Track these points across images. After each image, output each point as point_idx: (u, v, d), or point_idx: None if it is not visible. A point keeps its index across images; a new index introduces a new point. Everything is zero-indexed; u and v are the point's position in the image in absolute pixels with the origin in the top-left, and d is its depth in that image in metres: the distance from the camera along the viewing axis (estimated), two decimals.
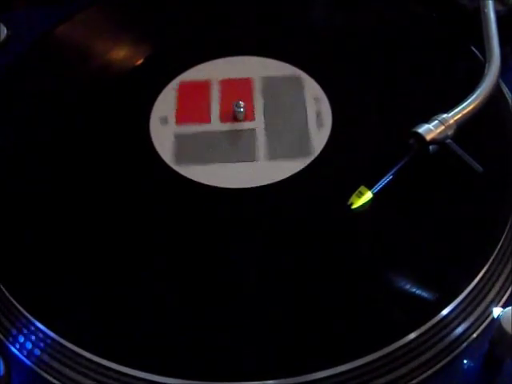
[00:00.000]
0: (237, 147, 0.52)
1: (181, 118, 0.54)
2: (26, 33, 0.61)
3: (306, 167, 0.50)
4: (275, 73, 0.57)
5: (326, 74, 0.56)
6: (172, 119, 0.53)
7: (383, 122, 0.53)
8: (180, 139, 0.52)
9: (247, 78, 0.56)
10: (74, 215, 0.48)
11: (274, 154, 0.51)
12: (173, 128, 0.53)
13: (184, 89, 0.56)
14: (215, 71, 0.57)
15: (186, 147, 0.52)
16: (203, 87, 0.56)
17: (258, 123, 0.54)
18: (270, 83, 0.56)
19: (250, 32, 0.60)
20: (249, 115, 0.54)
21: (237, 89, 0.56)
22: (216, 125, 0.53)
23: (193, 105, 0.54)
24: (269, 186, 0.49)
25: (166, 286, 0.45)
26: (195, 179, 0.50)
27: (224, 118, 0.54)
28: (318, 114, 0.54)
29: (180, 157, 0.51)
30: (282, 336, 0.42)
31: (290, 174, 0.50)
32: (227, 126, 0.53)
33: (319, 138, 0.52)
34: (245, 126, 0.53)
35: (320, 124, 0.53)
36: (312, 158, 0.51)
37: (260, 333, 0.42)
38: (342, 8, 0.62)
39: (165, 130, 0.53)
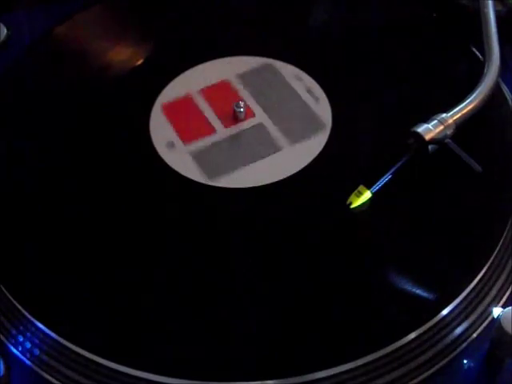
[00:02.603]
0: (256, 144, 0.52)
1: (187, 138, 0.53)
2: (26, 33, 0.61)
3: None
4: (247, 67, 0.57)
5: (325, 74, 0.56)
6: (178, 142, 0.52)
7: (382, 122, 0.53)
8: (199, 156, 0.52)
9: (223, 81, 0.56)
10: (74, 215, 0.48)
11: (293, 138, 0.52)
12: (183, 149, 0.52)
13: (169, 109, 0.55)
14: (190, 83, 0.56)
15: (209, 161, 0.51)
16: (187, 103, 0.55)
17: (260, 117, 0.54)
18: (247, 78, 0.56)
19: (218, 34, 0.60)
20: (248, 113, 0.54)
21: (220, 93, 0.55)
22: (223, 131, 0.53)
23: (188, 122, 0.54)
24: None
25: (167, 286, 0.45)
26: (236, 186, 0.49)
27: (226, 122, 0.54)
28: (309, 90, 0.54)
29: (210, 172, 0.50)
30: (282, 336, 0.42)
31: (317, 153, 0.50)
32: (234, 129, 0.53)
33: (323, 112, 0.53)
34: (251, 124, 0.53)
35: (315, 98, 0.54)
36: (328, 130, 0.52)
37: (260, 333, 0.42)
38: (342, 7, 0.62)
39: (176, 153, 0.52)
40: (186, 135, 0.53)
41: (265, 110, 0.54)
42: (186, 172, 0.50)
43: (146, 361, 0.41)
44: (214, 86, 0.56)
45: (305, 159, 0.51)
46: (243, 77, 0.56)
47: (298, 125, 0.53)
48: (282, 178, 0.50)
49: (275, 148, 0.51)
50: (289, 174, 0.50)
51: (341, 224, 0.47)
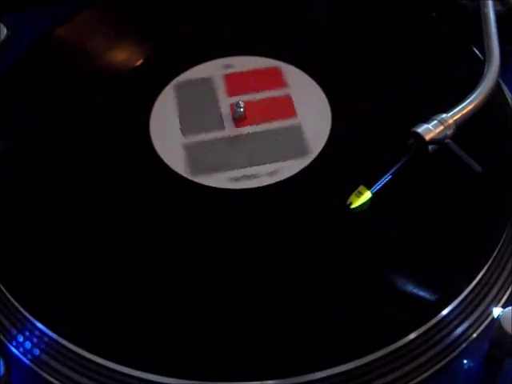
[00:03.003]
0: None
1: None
2: (26, 33, 0.61)
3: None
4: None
5: (326, 74, 0.56)
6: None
7: (382, 122, 0.53)
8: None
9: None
10: (74, 215, 0.48)
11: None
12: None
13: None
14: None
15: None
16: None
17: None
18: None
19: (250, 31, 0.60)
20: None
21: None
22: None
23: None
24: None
25: (167, 286, 0.45)
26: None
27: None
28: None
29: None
30: (281, 336, 0.42)
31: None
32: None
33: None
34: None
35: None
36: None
37: (260, 333, 0.42)
38: (342, 6, 0.62)
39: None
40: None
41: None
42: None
43: (146, 361, 0.41)
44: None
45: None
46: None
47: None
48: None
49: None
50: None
51: (341, 224, 0.47)
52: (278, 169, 0.50)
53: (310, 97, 0.55)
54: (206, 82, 0.56)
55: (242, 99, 0.54)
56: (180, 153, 0.51)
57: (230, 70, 0.57)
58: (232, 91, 0.55)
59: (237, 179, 0.50)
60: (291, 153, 0.51)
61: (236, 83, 0.56)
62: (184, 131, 0.53)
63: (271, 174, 0.50)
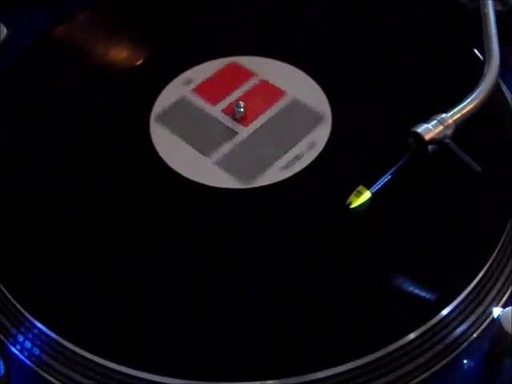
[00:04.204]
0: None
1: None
2: (26, 33, 0.61)
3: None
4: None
5: (325, 74, 0.56)
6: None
7: (382, 122, 0.53)
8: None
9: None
10: (74, 215, 0.48)
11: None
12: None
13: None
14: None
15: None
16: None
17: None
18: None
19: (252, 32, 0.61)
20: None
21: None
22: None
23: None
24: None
25: (167, 286, 0.45)
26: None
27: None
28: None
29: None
30: (282, 336, 0.42)
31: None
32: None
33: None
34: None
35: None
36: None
37: (260, 333, 0.42)
38: (342, 7, 0.62)
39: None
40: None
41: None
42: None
43: (146, 361, 0.41)
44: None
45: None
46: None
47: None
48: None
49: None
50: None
51: (340, 224, 0.47)
52: (314, 140, 0.51)
53: (283, 75, 0.56)
54: (182, 103, 0.55)
55: (226, 103, 0.54)
56: (216, 171, 0.50)
57: (194, 84, 0.56)
58: (212, 100, 0.55)
59: (285, 166, 0.50)
60: (310, 122, 0.52)
61: (209, 92, 0.56)
62: (204, 153, 0.52)
63: (310, 146, 0.51)
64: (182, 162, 0.51)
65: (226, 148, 0.52)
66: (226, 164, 0.51)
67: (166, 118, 0.54)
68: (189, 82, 0.57)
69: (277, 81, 0.56)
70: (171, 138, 0.53)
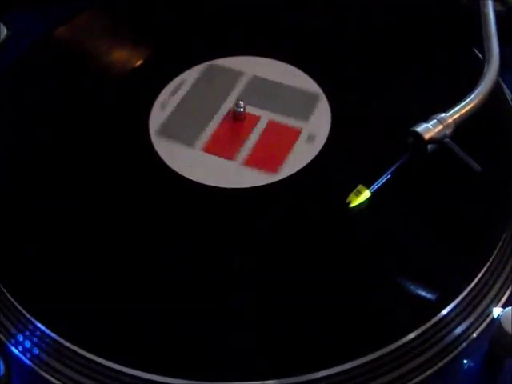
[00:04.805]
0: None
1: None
2: (26, 33, 0.61)
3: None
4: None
5: (325, 74, 0.56)
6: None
7: (382, 121, 0.53)
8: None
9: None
10: (75, 215, 0.48)
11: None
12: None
13: None
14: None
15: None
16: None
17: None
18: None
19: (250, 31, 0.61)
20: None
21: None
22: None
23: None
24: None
25: (167, 286, 0.45)
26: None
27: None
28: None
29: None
30: (282, 336, 0.42)
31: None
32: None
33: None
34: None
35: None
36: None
37: (260, 333, 0.42)
38: (342, 7, 0.62)
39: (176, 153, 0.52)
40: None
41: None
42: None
43: (146, 361, 0.41)
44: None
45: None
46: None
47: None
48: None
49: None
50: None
51: (340, 223, 0.47)
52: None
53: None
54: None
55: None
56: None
57: None
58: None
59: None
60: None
61: None
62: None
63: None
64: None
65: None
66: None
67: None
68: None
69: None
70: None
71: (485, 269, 0.44)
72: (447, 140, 0.48)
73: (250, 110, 0.54)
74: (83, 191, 0.50)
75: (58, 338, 0.43)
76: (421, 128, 0.48)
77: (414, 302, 0.43)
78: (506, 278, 0.45)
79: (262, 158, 0.51)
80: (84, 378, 0.42)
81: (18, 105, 0.56)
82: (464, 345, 0.43)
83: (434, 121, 0.49)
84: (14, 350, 0.43)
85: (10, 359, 0.42)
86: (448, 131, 0.49)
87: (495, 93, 0.52)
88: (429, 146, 0.48)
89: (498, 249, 0.45)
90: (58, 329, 0.43)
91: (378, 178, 0.48)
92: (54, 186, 0.50)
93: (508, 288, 0.45)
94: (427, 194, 0.48)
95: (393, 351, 0.41)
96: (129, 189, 0.50)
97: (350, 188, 0.47)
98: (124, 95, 0.56)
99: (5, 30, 0.61)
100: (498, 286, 0.45)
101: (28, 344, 0.43)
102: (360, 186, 0.47)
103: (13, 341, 0.44)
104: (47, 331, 0.43)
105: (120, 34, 0.60)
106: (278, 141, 0.52)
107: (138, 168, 0.51)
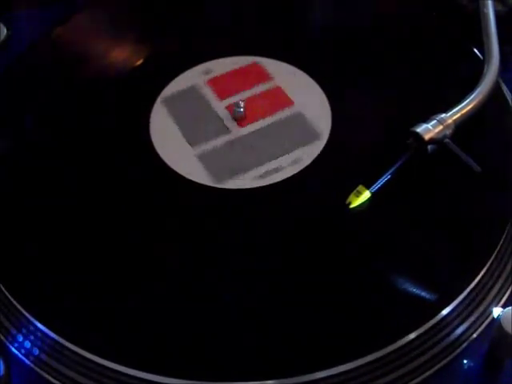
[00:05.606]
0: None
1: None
2: (26, 33, 0.61)
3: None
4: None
5: (325, 74, 0.56)
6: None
7: (382, 122, 0.53)
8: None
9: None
10: (75, 215, 0.48)
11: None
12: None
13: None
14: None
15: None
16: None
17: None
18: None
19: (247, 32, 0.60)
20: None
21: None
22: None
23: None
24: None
25: (166, 286, 0.45)
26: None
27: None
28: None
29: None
30: (282, 336, 0.42)
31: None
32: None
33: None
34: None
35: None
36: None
37: (260, 333, 0.42)
38: (342, 7, 0.62)
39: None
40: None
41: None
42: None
43: (146, 361, 0.41)
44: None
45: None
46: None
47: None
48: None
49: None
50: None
51: (340, 224, 0.47)
52: (299, 156, 0.51)
53: (299, 84, 0.55)
54: (192, 91, 0.56)
55: (233, 100, 0.54)
56: (195, 164, 0.51)
57: (211, 75, 0.57)
58: (222, 94, 0.55)
59: (261, 176, 0.50)
60: (304, 138, 0.52)
61: (222, 86, 0.56)
62: (191, 143, 0.52)
63: (293, 162, 0.50)
64: (168, 147, 0.52)
65: (213, 144, 0.52)
66: (205, 159, 0.51)
67: (171, 102, 0.55)
68: (208, 72, 0.57)
69: (290, 90, 0.55)
70: (168, 120, 0.54)
71: (485, 269, 0.44)
72: (447, 140, 0.48)
73: None
74: (83, 191, 0.50)
75: (57, 338, 0.43)
76: (421, 128, 0.48)
77: (414, 303, 0.43)
78: (506, 279, 0.45)
79: None
80: (84, 378, 0.42)
81: (18, 105, 0.56)
82: (464, 345, 0.43)
83: (434, 121, 0.49)
84: (14, 350, 0.43)
85: (9, 359, 0.42)
86: (448, 132, 0.49)
87: (495, 93, 0.52)
88: (429, 147, 0.48)
89: (497, 249, 0.45)
90: (57, 329, 0.43)
91: (378, 179, 0.48)
92: (54, 186, 0.50)
93: (508, 288, 0.45)
94: (427, 195, 0.48)
95: (393, 352, 0.41)
96: (129, 189, 0.50)
97: (350, 188, 0.47)
98: (124, 95, 0.56)
99: (5, 30, 0.61)
100: (498, 286, 0.45)
101: (28, 344, 0.43)
102: (360, 187, 0.47)
103: (13, 341, 0.44)
104: (47, 331, 0.43)
105: (120, 33, 0.60)
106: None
107: (138, 168, 0.51)
